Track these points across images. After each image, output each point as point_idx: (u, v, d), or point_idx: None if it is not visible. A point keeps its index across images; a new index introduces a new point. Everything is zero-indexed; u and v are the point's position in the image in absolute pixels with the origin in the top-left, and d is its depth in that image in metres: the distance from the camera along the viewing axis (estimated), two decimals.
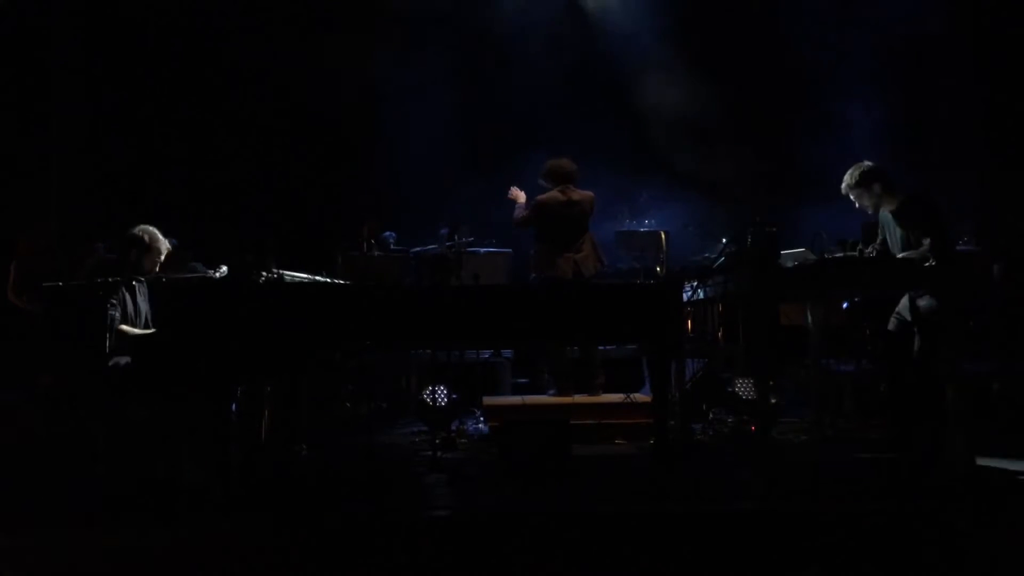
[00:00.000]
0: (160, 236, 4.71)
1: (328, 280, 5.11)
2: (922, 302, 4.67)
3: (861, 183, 4.87)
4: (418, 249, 6.69)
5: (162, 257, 4.73)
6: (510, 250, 6.68)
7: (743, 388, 5.91)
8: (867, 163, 4.94)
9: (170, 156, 7.65)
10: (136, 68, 7.64)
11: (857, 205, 4.98)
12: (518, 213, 6.20)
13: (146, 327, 4.67)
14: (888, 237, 4.94)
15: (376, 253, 6.60)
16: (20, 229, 6.39)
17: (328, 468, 4.72)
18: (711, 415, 5.79)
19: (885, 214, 4.95)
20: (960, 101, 8.01)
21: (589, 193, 6.14)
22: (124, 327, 4.49)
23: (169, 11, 7.60)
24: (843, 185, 4.94)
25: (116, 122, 7.64)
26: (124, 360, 4.44)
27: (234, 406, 4.27)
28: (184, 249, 6.21)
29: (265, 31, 7.71)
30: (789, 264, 5.14)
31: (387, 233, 7.36)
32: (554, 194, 6.07)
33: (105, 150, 7.59)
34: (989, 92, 7.84)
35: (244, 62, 7.63)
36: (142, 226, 4.71)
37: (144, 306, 4.70)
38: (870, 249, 4.99)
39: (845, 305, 6.04)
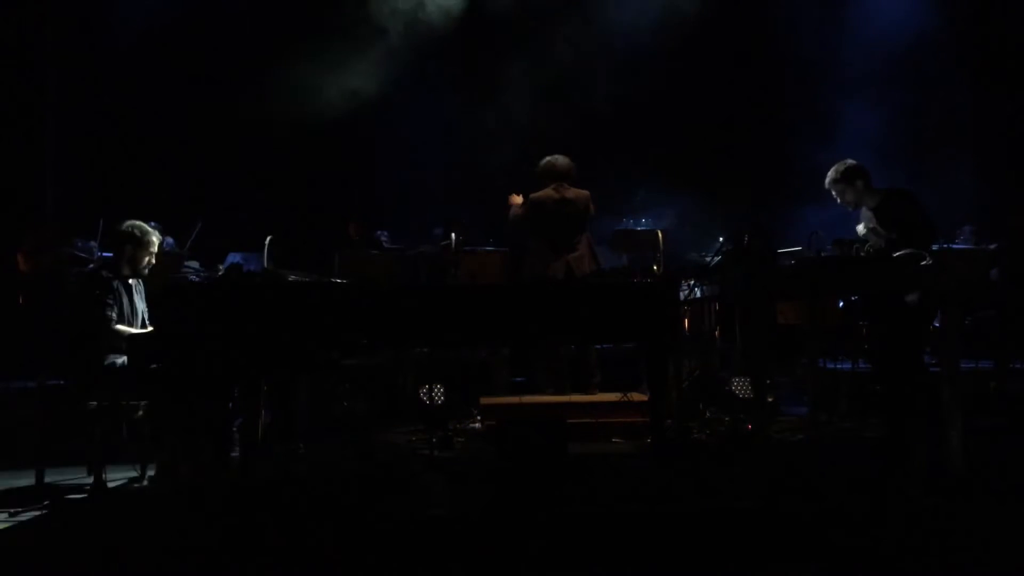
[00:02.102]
0: (149, 228, 4.70)
1: (325, 279, 5.11)
2: (909, 296, 4.70)
3: (844, 179, 4.97)
4: (415, 252, 6.70)
5: (155, 248, 4.71)
6: (507, 249, 6.68)
7: (740, 387, 5.93)
8: (850, 160, 5.02)
9: (168, 156, 7.66)
10: (134, 68, 7.64)
11: (839, 201, 5.07)
12: (514, 212, 6.21)
13: (143, 326, 4.67)
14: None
15: (373, 252, 6.60)
16: (24, 227, 6.43)
17: (325, 467, 4.72)
18: (708, 414, 5.79)
19: (866, 212, 5.01)
20: (959, 101, 8.03)
21: (584, 192, 6.13)
22: (120, 327, 4.48)
23: (167, 12, 7.59)
24: (826, 181, 5.04)
25: (113, 122, 7.64)
26: (121, 359, 4.44)
27: (231, 405, 4.28)
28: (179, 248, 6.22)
29: (263, 32, 7.71)
30: (786, 263, 5.15)
31: (378, 232, 7.36)
32: (548, 192, 6.07)
33: (102, 150, 7.59)
34: (988, 92, 7.85)
35: (242, 62, 7.63)
36: (130, 221, 4.68)
37: (140, 305, 4.70)
38: (866, 248, 5.00)
39: (841, 304, 6.05)
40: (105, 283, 4.49)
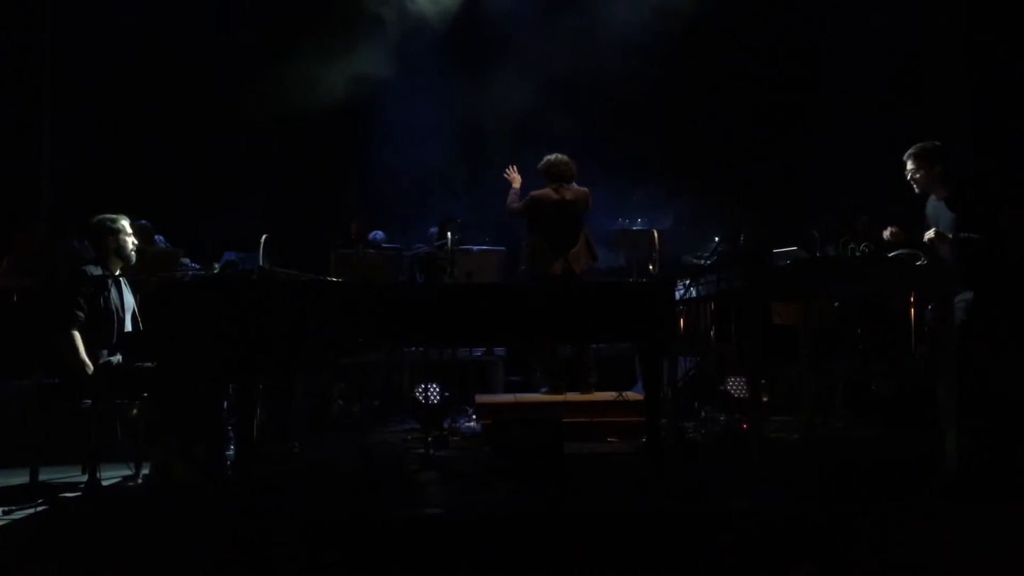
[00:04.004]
0: (114, 215, 4.65)
1: (321, 278, 5.10)
2: (962, 295, 4.55)
3: (923, 157, 4.81)
4: (411, 252, 6.70)
5: (129, 228, 4.67)
6: (503, 248, 6.68)
7: (735, 386, 5.93)
8: (937, 142, 4.88)
9: (165, 154, 7.65)
10: (131, 68, 7.63)
11: (908, 178, 4.92)
12: (511, 200, 6.20)
13: (134, 319, 4.66)
14: (936, 224, 4.88)
15: (369, 251, 6.59)
16: (19, 227, 6.42)
17: (320, 466, 4.72)
18: (703, 413, 5.80)
19: (934, 202, 4.92)
20: (956, 103, 8.03)
21: (584, 190, 6.14)
22: (75, 335, 4.40)
23: (163, 11, 7.58)
24: (907, 152, 4.88)
25: (110, 122, 7.63)
26: (116, 358, 4.43)
27: (226, 404, 4.27)
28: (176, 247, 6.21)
29: (259, 29, 7.71)
30: (781, 263, 5.15)
31: (374, 233, 7.35)
32: (548, 192, 6.07)
33: (99, 150, 7.58)
34: (985, 95, 7.86)
35: (239, 59, 7.63)
36: (99, 216, 4.64)
37: (130, 298, 4.67)
38: (862, 248, 5.00)
39: (838, 304, 6.06)
40: (89, 280, 4.45)
